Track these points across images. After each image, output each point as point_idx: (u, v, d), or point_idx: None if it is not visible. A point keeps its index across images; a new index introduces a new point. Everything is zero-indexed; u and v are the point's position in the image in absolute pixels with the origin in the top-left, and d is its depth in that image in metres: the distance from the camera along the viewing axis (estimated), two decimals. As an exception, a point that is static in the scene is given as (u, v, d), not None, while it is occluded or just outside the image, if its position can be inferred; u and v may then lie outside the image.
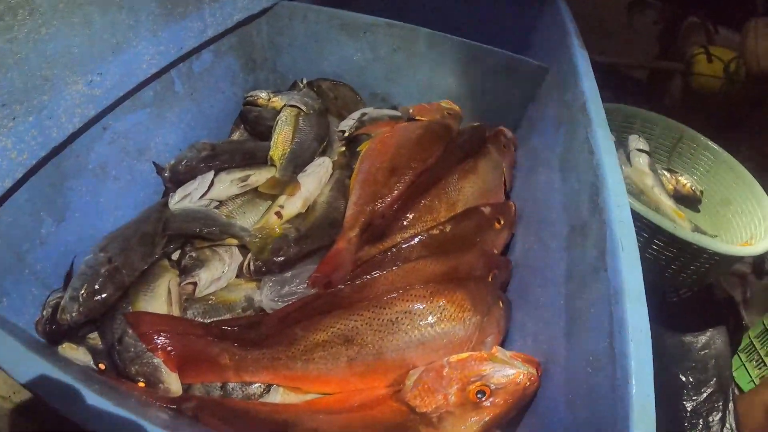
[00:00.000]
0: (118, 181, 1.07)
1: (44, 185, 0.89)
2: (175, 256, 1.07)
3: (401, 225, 1.04)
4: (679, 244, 1.28)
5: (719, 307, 1.57)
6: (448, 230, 1.02)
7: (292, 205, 1.10)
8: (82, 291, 0.87)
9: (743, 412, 1.31)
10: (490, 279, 0.99)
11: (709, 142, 1.72)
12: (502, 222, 1.09)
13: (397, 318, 0.85)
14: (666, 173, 1.73)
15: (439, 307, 0.86)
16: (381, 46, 1.38)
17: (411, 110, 1.29)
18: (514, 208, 1.14)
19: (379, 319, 0.85)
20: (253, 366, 0.87)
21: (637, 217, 1.26)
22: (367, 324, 0.85)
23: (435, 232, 1.02)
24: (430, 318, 0.85)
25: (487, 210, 1.08)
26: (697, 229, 1.58)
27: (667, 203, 1.53)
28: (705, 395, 1.33)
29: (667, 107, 2.50)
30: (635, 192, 1.50)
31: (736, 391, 1.52)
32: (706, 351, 1.41)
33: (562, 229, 0.89)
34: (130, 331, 0.86)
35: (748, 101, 2.30)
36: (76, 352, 0.88)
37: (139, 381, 0.84)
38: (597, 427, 0.60)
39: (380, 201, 1.07)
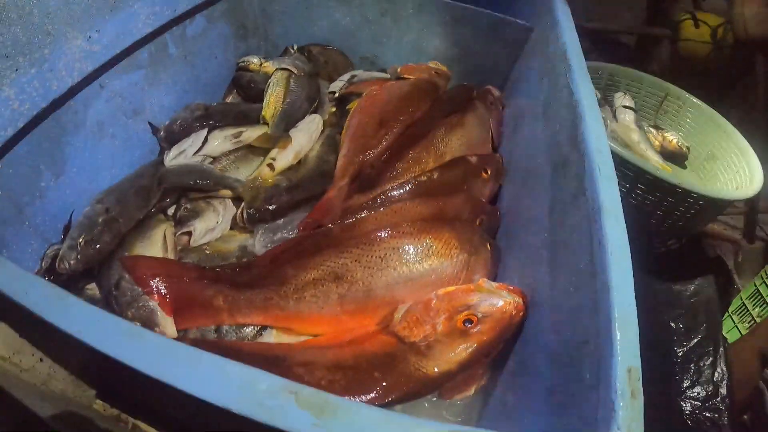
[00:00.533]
0: (115, 138, 1.10)
1: (44, 139, 0.92)
2: (171, 211, 1.10)
3: (390, 174, 1.07)
4: (662, 188, 1.31)
5: (707, 258, 1.62)
6: (435, 177, 1.05)
7: (284, 157, 1.13)
8: (80, 239, 0.90)
9: (734, 356, 1.32)
10: (477, 223, 1.02)
11: (694, 99, 1.75)
12: (489, 172, 1.12)
13: (385, 254, 0.87)
14: (652, 130, 1.76)
15: (426, 243, 0.89)
16: (369, 9, 1.41)
17: (399, 69, 1.31)
18: (501, 160, 1.16)
19: (367, 256, 0.88)
20: (246, 307, 0.88)
21: (620, 162, 1.30)
22: (356, 261, 0.88)
23: (423, 178, 1.04)
24: (417, 254, 0.88)
25: (474, 159, 1.11)
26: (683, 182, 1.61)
27: (654, 158, 1.57)
28: (695, 341, 1.34)
29: (655, 73, 2.52)
30: (620, 145, 1.51)
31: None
32: (695, 299, 1.42)
33: (546, 171, 0.91)
34: (127, 276, 0.88)
35: (736, 66, 2.32)
36: (74, 303, 0.90)
37: (136, 324, 0.85)
38: (582, 343, 0.61)
39: (369, 152, 1.11)
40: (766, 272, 1.65)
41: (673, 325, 1.38)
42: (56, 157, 0.96)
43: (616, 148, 1.29)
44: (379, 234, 0.90)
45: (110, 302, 0.88)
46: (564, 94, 0.91)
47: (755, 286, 1.61)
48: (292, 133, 1.18)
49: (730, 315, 1.67)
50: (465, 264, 0.89)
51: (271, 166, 1.11)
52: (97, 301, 0.91)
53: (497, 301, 0.79)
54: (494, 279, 0.95)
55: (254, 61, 1.36)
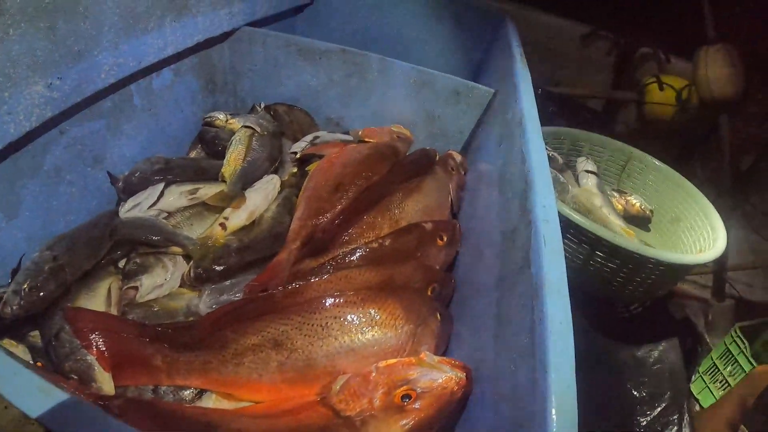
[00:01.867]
0: (72, 186, 1.09)
1: (-1, 185, 0.91)
2: (122, 263, 1.08)
3: (342, 240, 1.07)
4: (619, 255, 1.30)
5: (673, 322, 1.60)
6: (387, 244, 1.05)
7: (237, 217, 1.12)
8: (25, 285, 0.88)
9: (700, 427, 1.31)
10: (429, 292, 1.01)
11: (657, 162, 1.77)
12: (445, 239, 1.11)
13: (327, 323, 0.86)
14: (615, 194, 1.77)
15: (370, 314, 0.87)
16: (335, 71, 1.43)
17: (360, 132, 1.33)
18: (458, 227, 1.16)
19: (309, 324, 0.86)
20: (185, 369, 0.86)
21: (577, 229, 1.31)
22: (297, 328, 0.86)
23: (374, 245, 1.04)
24: (360, 324, 0.86)
25: (429, 226, 1.10)
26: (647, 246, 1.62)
27: (616, 222, 1.56)
28: (659, 409, 1.33)
29: (622, 136, 2.56)
30: (582, 212, 1.50)
31: (697, 407, 1.53)
32: (660, 365, 1.42)
33: (497, 239, 0.91)
34: (67, 327, 0.87)
35: (701, 128, 2.37)
36: (16, 349, 0.88)
37: (72, 378, 0.83)
38: (518, 425, 0.59)
39: (323, 215, 1.10)
40: (735, 331, 1.65)
41: (636, 393, 1.37)
42: (10, 200, 0.95)
43: (573, 215, 1.30)
44: (321, 302, 0.89)
45: (49, 352, 0.87)
46: (518, 160, 0.91)
47: (725, 345, 1.60)
48: (248, 192, 1.17)
49: (701, 375, 1.66)
50: (410, 335, 0.88)
51: (223, 226, 1.10)
52: (38, 351, 0.89)
53: (438, 376, 0.77)
54: (445, 349, 0.95)
55: (220, 117, 1.36)
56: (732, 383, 1.58)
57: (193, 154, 1.39)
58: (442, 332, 0.93)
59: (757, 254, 2.33)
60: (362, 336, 0.86)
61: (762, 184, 2.39)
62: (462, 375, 0.78)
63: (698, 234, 1.55)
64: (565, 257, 1.21)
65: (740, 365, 1.54)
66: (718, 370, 1.58)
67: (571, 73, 2.62)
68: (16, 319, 0.87)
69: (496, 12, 1.68)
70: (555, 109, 2.30)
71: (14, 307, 0.86)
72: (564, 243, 1.31)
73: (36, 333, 0.92)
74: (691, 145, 2.46)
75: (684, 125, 2.30)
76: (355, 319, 0.87)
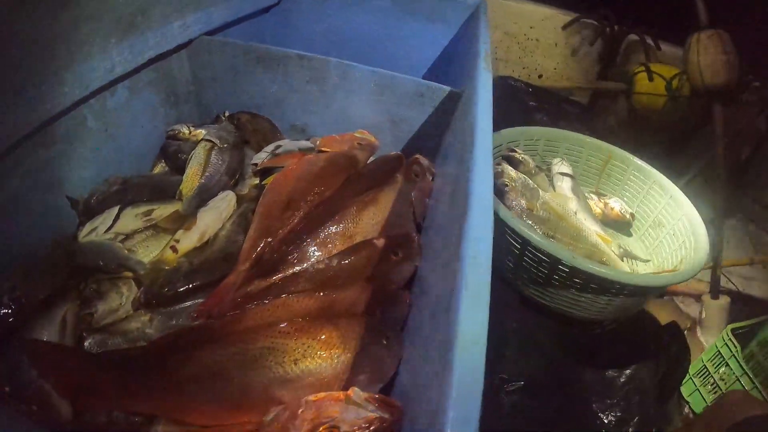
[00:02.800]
0: (31, 213, 1.09)
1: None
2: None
3: (292, 259, 1.05)
4: (582, 276, 1.23)
5: (649, 337, 1.50)
6: (334, 264, 1.04)
7: (188, 239, 1.12)
8: None
9: None
10: (377, 314, 1.00)
11: (639, 162, 1.68)
12: (400, 254, 1.09)
13: (260, 354, 0.86)
14: (593, 196, 1.70)
15: (303, 344, 0.87)
16: (295, 77, 1.41)
17: (319, 141, 1.31)
18: (416, 240, 1.13)
19: (243, 355, 0.86)
20: (133, 395, 0.87)
21: (536, 248, 1.25)
22: (232, 359, 0.86)
23: (320, 266, 1.03)
24: (293, 355, 0.86)
25: (380, 242, 1.08)
26: (627, 254, 1.55)
27: (592, 228, 1.49)
28: None
29: (612, 129, 2.49)
30: (553, 219, 1.44)
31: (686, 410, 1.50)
32: (629, 387, 1.36)
33: (440, 262, 0.90)
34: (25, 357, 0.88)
35: (694, 118, 2.29)
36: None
37: (32, 406, 0.85)
38: None
39: (273, 235, 1.09)
40: (727, 333, 1.62)
41: (603, 416, 1.33)
42: None
43: (529, 234, 1.23)
44: (256, 332, 0.89)
45: (11, 379, 0.88)
46: (464, 179, 0.89)
47: (716, 347, 1.57)
48: (201, 212, 1.17)
49: (691, 378, 1.64)
50: (348, 365, 0.87)
51: (174, 249, 1.10)
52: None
53: (361, 414, 0.77)
54: (392, 375, 0.92)
55: (183, 129, 1.36)
56: (723, 387, 1.55)
57: (157, 169, 1.39)
58: (386, 358, 0.92)
59: (757, 247, 2.31)
60: (296, 367, 0.86)
61: (760, 175, 2.33)
62: (386, 415, 0.77)
63: (681, 241, 1.48)
64: (530, 272, 1.19)
65: (731, 368, 1.51)
66: (709, 373, 1.55)
67: (556, 64, 2.54)
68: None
69: (470, 3, 1.63)
70: (536, 103, 2.22)
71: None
72: (525, 261, 1.27)
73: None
74: (684, 136, 2.38)
75: (675, 116, 2.22)
76: (288, 350, 0.87)
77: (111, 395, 0.88)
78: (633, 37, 2.39)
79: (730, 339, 1.58)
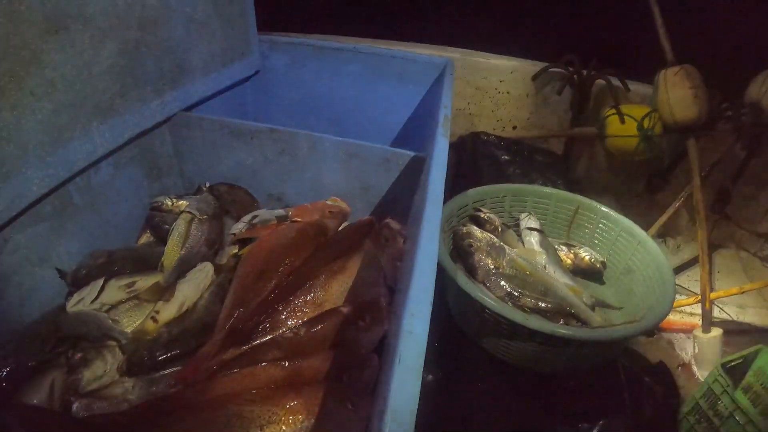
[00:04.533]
0: (21, 286, 1.18)
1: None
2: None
3: (264, 328, 1.12)
4: (540, 334, 1.26)
5: (629, 384, 1.53)
6: (302, 333, 1.10)
7: (167, 310, 1.20)
8: None
9: None
10: (345, 380, 1.05)
11: (606, 210, 1.71)
12: (367, 320, 1.15)
13: (228, 420, 0.93)
14: (563, 248, 1.73)
15: (268, 411, 0.94)
16: (268, 149, 1.50)
17: (290, 212, 1.38)
18: (383, 305, 1.20)
19: (213, 422, 0.93)
20: None
21: (492, 311, 1.30)
22: (203, 426, 0.93)
23: (289, 334, 1.10)
24: (259, 421, 0.93)
25: (346, 310, 1.15)
26: (599, 303, 1.58)
27: (561, 281, 1.53)
28: None
29: (589, 174, 2.53)
30: (520, 275, 1.48)
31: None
32: None
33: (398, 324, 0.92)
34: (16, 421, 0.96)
35: (670, 154, 2.32)
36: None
37: None
38: None
39: (246, 305, 1.15)
40: (718, 369, 1.63)
41: None
42: None
43: (483, 299, 1.28)
44: (225, 400, 0.96)
45: None
46: (412, 249, 0.94)
47: (708, 383, 1.58)
48: (180, 283, 1.25)
49: (685, 416, 1.64)
50: (311, 430, 0.93)
51: (154, 319, 1.17)
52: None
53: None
54: None
55: (167, 201, 1.44)
56: (718, 424, 1.56)
57: (143, 239, 1.47)
58: (351, 423, 0.97)
59: (749, 273, 2.29)
60: (261, 432, 0.92)
61: (744, 201, 2.35)
62: None
63: (651, 287, 1.51)
64: (493, 333, 1.21)
65: (724, 404, 1.53)
66: (702, 410, 1.56)
67: (529, 114, 2.59)
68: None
69: (438, 63, 1.72)
70: (509, 157, 2.28)
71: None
72: (486, 322, 1.32)
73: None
74: (662, 173, 2.42)
75: (651, 154, 2.24)
76: (255, 417, 0.93)
77: (92, 458, 0.94)
78: (601, 81, 2.42)
79: (720, 374, 1.57)
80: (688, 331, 2.01)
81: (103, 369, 1.11)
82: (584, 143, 2.53)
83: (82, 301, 1.21)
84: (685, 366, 1.90)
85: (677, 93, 2.07)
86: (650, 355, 1.72)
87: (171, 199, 1.45)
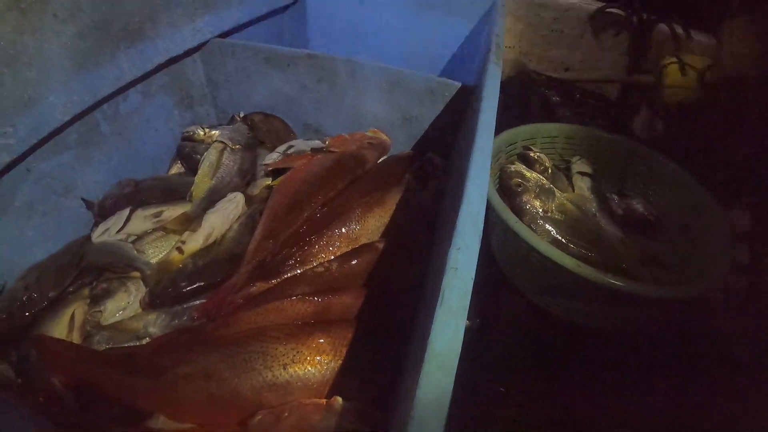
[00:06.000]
0: (46, 216, 1.13)
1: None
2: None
3: (293, 262, 1.06)
4: (590, 285, 1.14)
5: (667, 352, 1.37)
6: (334, 268, 1.04)
7: (194, 241, 1.14)
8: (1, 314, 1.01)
9: None
10: (376, 320, 0.98)
11: (664, 160, 1.57)
12: (404, 257, 1.08)
13: (250, 357, 0.87)
14: (615, 197, 1.60)
15: (293, 349, 0.87)
16: (305, 77, 1.41)
17: (327, 141, 1.30)
18: (422, 243, 1.12)
19: (234, 357, 0.88)
20: (131, 392, 0.90)
21: (541, 254, 1.19)
22: (224, 361, 0.88)
23: (319, 269, 1.03)
24: (282, 360, 0.87)
25: (382, 245, 1.07)
26: (650, 260, 1.43)
27: (612, 232, 1.42)
28: None
29: (644, 123, 2.39)
30: (569, 221, 1.37)
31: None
32: None
33: (438, 263, 0.84)
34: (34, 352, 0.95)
35: (730, 109, 2.16)
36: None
37: (39, 397, 0.91)
38: None
39: (277, 237, 1.09)
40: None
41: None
42: None
43: (533, 240, 1.18)
44: (248, 336, 0.90)
45: (22, 370, 0.96)
46: (461, 181, 0.84)
47: None
48: (208, 214, 1.19)
49: None
50: (337, 372, 0.87)
51: (180, 250, 1.12)
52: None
53: (340, 425, 0.77)
54: (390, 380, 0.91)
55: (198, 131, 1.38)
56: None
57: (174, 170, 1.41)
58: (379, 367, 0.92)
59: None
60: (284, 371, 0.86)
61: None
62: (364, 427, 0.77)
63: (707, 249, 1.36)
64: (537, 280, 1.13)
65: None
66: None
67: (582, 56, 2.43)
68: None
69: (489, -7, 1.60)
70: (560, 99, 2.15)
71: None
72: (532, 268, 1.23)
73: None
74: (720, 129, 2.25)
75: (710, 108, 2.10)
76: (277, 354, 0.87)
77: (112, 390, 0.91)
78: (662, 25, 2.25)
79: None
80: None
81: (126, 301, 1.08)
82: (639, 91, 2.38)
83: (108, 231, 1.18)
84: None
85: (742, 46, 1.88)
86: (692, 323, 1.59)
87: (203, 128, 1.39)
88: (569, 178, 1.59)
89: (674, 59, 2.08)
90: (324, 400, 0.83)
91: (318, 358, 0.87)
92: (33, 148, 1.04)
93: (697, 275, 1.28)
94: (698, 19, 2.17)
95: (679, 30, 2.19)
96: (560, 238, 1.33)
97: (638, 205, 1.55)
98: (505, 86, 1.11)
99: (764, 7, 1.86)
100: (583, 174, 1.56)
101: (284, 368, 0.86)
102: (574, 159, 1.62)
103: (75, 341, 1.01)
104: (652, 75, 2.21)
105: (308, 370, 0.86)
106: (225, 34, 1.45)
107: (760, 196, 1.71)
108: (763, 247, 1.54)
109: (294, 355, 0.87)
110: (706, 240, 1.37)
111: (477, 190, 0.78)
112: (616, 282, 1.13)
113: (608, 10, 2.28)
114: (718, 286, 1.22)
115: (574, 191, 1.53)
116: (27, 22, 0.95)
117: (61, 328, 1.02)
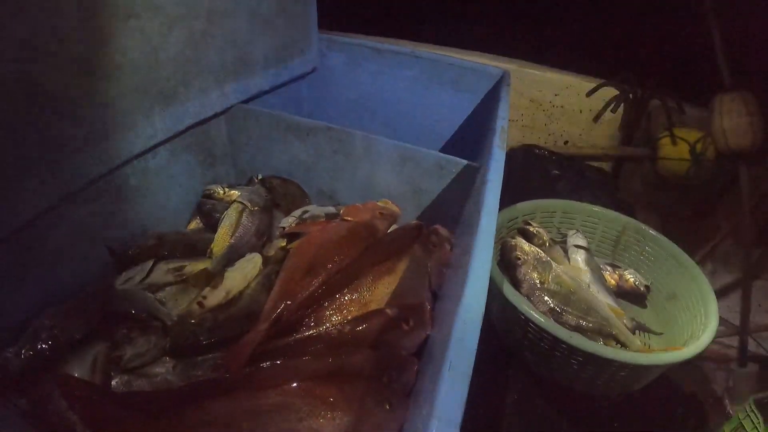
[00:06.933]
0: (74, 261, 1.20)
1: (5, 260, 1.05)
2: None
3: (308, 322, 1.13)
4: (581, 353, 1.25)
5: (660, 412, 1.51)
6: (347, 330, 1.10)
7: (214, 296, 1.20)
8: (23, 350, 1.03)
9: None
10: (385, 380, 1.05)
11: (655, 234, 1.68)
12: (411, 323, 1.14)
13: (269, 409, 0.93)
14: (608, 268, 1.70)
15: (309, 404, 0.94)
16: (323, 147, 1.50)
17: (342, 210, 1.38)
18: (427, 310, 1.19)
19: (252, 409, 0.94)
20: None
21: (536, 325, 1.29)
22: (242, 412, 0.93)
23: (334, 331, 1.10)
24: (299, 413, 0.93)
25: (392, 312, 1.14)
26: (640, 327, 1.55)
27: (604, 301, 1.50)
28: None
29: (638, 194, 2.48)
30: (564, 292, 1.47)
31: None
32: None
33: (444, 329, 0.91)
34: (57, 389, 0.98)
35: (720, 181, 2.25)
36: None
37: None
38: None
39: (293, 298, 1.16)
40: (750, 405, 1.59)
41: None
42: (18, 275, 1.09)
43: (529, 312, 1.28)
44: (267, 389, 0.97)
45: (42, 410, 0.97)
46: (466, 257, 0.93)
47: (739, 419, 1.55)
48: (229, 271, 1.26)
49: None
50: (348, 426, 0.93)
51: (200, 304, 1.18)
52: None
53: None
54: None
55: (219, 190, 1.46)
56: None
57: (192, 225, 1.48)
58: (388, 422, 0.97)
59: None
60: (300, 424, 0.92)
61: None
62: None
63: (693, 315, 1.48)
64: (533, 346, 1.21)
65: None
66: None
67: (581, 130, 2.55)
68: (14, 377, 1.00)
69: (494, 73, 1.71)
70: (559, 172, 2.26)
71: (13, 368, 1.00)
72: (528, 335, 1.32)
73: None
74: (711, 199, 2.35)
75: (701, 180, 2.18)
76: (294, 408, 0.94)
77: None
78: (656, 101, 2.36)
79: (752, 410, 1.53)
80: (725, 362, 1.97)
81: (146, 347, 1.13)
82: (634, 163, 2.49)
83: (131, 281, 1.24)
84: (718, 399, 1.85)
85: (732, 120, 2.00)
86: (683, 384, 1.68)
87: (223, 188, 1.47)
88: (566, 250, 1.69)
89: (667, 132, 2.19)
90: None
91: (332, 413, 0.94)
92: (69, 196, 1.12)
93: (686, 339, 1.42)
94: (691, 93, 2.27)
95: (672, 104, 2.29)
96: (556, 307, 1.43)
97: (630, 276, 1.66)
98: (508, 158, 1.21)
99: (753, 83, 1.97)
100: (578, 247, 1.66)
101: (300, 421, 0.92)
102: (571, 233, 1.73)
103: (97, 383, 1.06)
104: (647, 147, 2.31)
105: (321, 424, 0.92)
106: (248, 100, 1.55)
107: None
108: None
109: (310, 410, 0.93)
110: (693, 307, 1.49)
111: (481, 268, 0.87)
112: (601, 350, 1.25)
113: (606, 86, 2.39)
114: (701, 352, 1.31)
115: (570, 263, 1.62)
116: (78, 82, 1.05)
117: (84, 368, 1.06)
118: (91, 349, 1.11)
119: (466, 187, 1.38)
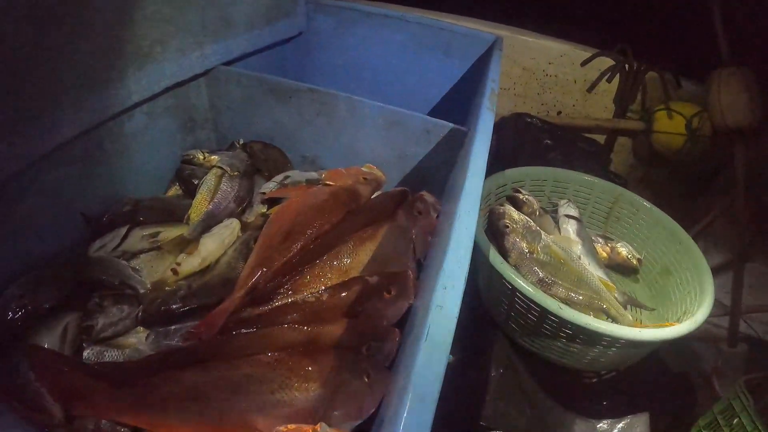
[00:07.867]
0: (45, 228, 1.16)
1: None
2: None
3: (285, 290, 1.08)
4: (570, 326, 1.21)
5: (648, 391, 1.48)
6: (325, 299, 1.06)
7: (189, 263, 1.17)
8: None
9: None
10: (364, 351, 1.02)
11: (649, 206, 1.64)
12: (393, 292, 1.10)
13: (240, 381, 0.90)
14: (600, 240, 1.67)
15: (281, 375, 0.90)
16: (306, 110, 1.45)
17: (324, 175, 1.34)
18: (410, 278, 1.14)
19: (224, 380, 0.90)
20: (119, 407, 0.91)
21: (524, 295, 1.25)
22: (213, 382, 0.90)
23: (311, 299, 1.06)
24: (271, 386, 0.89)
25: (373, 279, 1.10)
26: (631, 301, 1.53)
27: (596, 274, 1.46)
28: None
29: (630, 167, 2.44)
30: (554, 263, 1.42)
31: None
32: None
33: (425, 298, 0.88)
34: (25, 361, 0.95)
35: (715, 158, 2.20)
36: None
37: (27, 406, 0.92)
38: None
39: (270, 265, 1.12)
40: (740, 385, 1.58)
41: None
42: None
43: (517, 281, 1.24)
44: (239, 359, 0.93)
45: (10, 381, 0.95)
46: (449, 221, 0.90)
47: (728, 399, 1.54)
48: (204, 238, 1.22)
49: (701, 429, 1.60)
50: (323, 399, 0.90)
51: (174, 271, 1.15)
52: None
53: (324, 453, 0.79)
54: (375, 409, 0.93)
55: (198, 155, 1.42)
56: None
57: (171, 192, 1.44)
58: (365, 396, 0.94)
59: None
60: (272, 396, 0.89)
61: None
62: None
63: (687, 291, 1.45)
64: (520, 319, 1.18)
65: (743, 422, 1.47)
66: (719, 425, 1.51)
67: (575, 101, 2.49)
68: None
69: (486, 39, 1.66)
70: (551, 141, 2.21)
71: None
72: (515, 307, 1.27)
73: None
74: (704, 176, 2.30)
75: (695, 156, 2.14)
76: (266, 379, 0.90)
77: (101, 404, 0.92)
78: (653, 74, 2.31)
79: (742, 391, 1.53)
80: (714, 342, 1.95)
81: (118, 317, 1.09)
82: (627, 136, 2.44)
83: (104, 248, 1.20)
84: (706, 378, 1.82)
85: (730, 96, 1.94)
86: (672, 363, 1.65)
87: (203, 153, 1.43)
88: (556, 220, 1.64)
89: (662, 106, 2.14)
90: (309, 427, 0.85)
91: (305, 384, 0.90)
92: (39, 161, 1.07)
93: (679, 316, 1.38)
94: (688, 67, 2.22)
95: (669, 78, 2.24)
96: (545, 278, 1.39)
97: (622, 249, 1.62)
98: (499, 127, 1.17)
99: (753, 58, 1.92)
100: (569, 217, 1.62)
101: (272, 393, 0.89)
102: (562, 202, 1.69)
103: (66, 353, 1.03)
104: (641, 120, 2.26)
105: (295, 397, 0.89)
106: (230, 62, 1.50)
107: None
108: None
109: (282, 381, 0.90)
110: (687, 282, 1.45)
111: (465, 231, 0.83)
112: (592, 324, 1.20)
113: (602, 56, 2.34)
114: (695, 329, 1.28)
115: (560, 233, 1.58)
116: (44, 38, 0.99)
117: (53, 339, 1.03)
118: (61, 318, 1.08)
119: (453, 152, 1.34)
